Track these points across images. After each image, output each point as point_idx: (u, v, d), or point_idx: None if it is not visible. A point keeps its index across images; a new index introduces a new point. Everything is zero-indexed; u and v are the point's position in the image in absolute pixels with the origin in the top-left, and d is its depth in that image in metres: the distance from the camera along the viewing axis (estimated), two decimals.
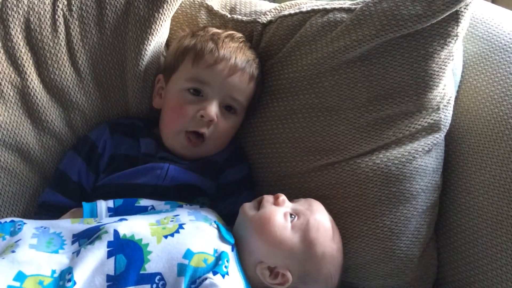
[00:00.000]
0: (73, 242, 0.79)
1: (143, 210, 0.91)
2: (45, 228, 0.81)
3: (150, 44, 1.01)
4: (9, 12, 0.96)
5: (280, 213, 0.86)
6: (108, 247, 0.76)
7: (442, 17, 0.92)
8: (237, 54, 0.98)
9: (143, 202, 0.92)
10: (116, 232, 0.77)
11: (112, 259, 0.75)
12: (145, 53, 1.01)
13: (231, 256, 0.82)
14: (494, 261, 0.92)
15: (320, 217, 0.88)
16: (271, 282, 0.83)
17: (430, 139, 0.99)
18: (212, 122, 0.96)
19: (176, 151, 1.00)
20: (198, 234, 0.81)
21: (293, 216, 0.87)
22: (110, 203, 0.91)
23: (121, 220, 0.82)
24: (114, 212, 0.90)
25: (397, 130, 0.98)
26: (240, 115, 1.01)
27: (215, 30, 1.03)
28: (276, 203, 0.87)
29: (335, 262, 0.87)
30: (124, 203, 0.91)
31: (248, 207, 0.88)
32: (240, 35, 1.03)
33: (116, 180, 0.97)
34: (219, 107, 0.97)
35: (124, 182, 0.96)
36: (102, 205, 0.90)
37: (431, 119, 0.98)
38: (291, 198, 0.93)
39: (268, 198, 0.88)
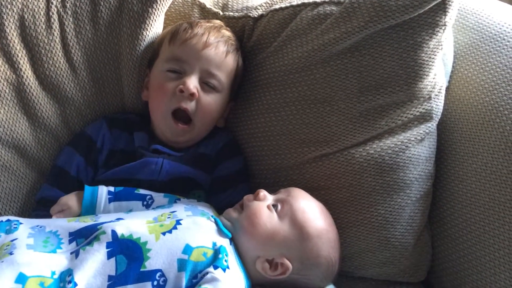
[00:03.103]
0: (70, 241, 0.79)
1: (142, 198, 0.92)
2: (41, 227, 0.81)
3: (144, 40, 1.03)
4: (3, 10, 0.97)
5: (264, 206, 0.87)
6: (107, 248, 0.77)
7: (429, 7, 0.94)
8: (210, 31, 1.00)
9: (142, 191, 0.94)
10: (114, 233, 0.78)
11: (112, 260, 0.76)
12: (139, 48, 1.03)
13: (230, 249, 0.83)
14: (487, 246, 0.93)
15: (303, 200, 0.89)
16: (272, 274, 0.83)
17: (423, 128, 1.00)
18: (194, 97, 0.96)
19: (167, 138, 1.00)
20: (196, 228, 0.82)
21: (276, 206, 0.87)
22: (111, 187, 0.93)
23: (118, 219, 0.83)
24: (113, 196, 0.92)
25: (390, 120, 0.99)
26: (222, 93, 1.01)
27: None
28: (257, 199, 0.88)
29: (331, 237, 0.88)
30: (124, 189, 0.93)
31: (232, 211, 0.89)
32: (219, 21, 1.05)
33: (113, 176, 0.98)
34: (200, 82, 0.98)
35: (121, 177, 0.97)
36: (103, 189, 0.92)
37: (423, 109, 1.00)
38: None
39: (249, 197, 0.89)
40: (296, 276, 0.85)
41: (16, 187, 1.00)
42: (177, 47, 0.99)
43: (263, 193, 0.89)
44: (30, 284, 0.71)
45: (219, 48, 0.99)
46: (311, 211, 0.88)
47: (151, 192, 0.94)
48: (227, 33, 1.03)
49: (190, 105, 0.97)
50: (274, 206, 0.87)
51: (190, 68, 0.97)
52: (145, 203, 0.92)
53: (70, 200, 0.92)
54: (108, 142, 1.01)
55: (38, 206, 0.99)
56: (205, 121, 1.00)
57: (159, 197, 0.93)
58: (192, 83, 0.96)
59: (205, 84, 0.98)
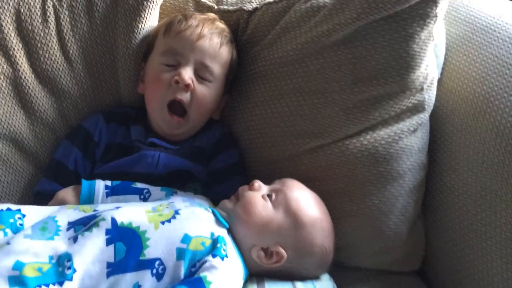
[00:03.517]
0: (68, 229, 0.80)
1: (139, 192, 0.93)
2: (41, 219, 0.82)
3: (139, 33, 1.03)
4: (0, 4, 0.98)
5: (258, 196, 0.88)
6: (106, 234, 0.77)
7: None
8: (205, 23, 1.01)
9: (139, 185, 0.94)
10: (113, 220, 0.79)
11: (111, 247, 0.76)
12: (135, 41, 1.03)
13: (228, 239, 0.84)
14: (479, 235, 0.94)
15: (297, 190, 0.91)
16: (268, 263, 0.85)
17: (415, 119, 1.01)
18: (189, 88, 0.97)
19: (163, 131, 1.01)
20: (194, 218, 0.83)
21: (271, 195, 0.89)
22: (108, 182, 0.93)
23: (117, 208, 0.83)
24: (110, 190, 0.92)
25: (383, 111, 1.00)
26: (217, 84, 1.02)
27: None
28: (252, 189, 0.89)
29: (325, 226, 0.89)
30: (121, 183, 0.94)
31: (227, 202, 0.90)
32: (213, 14, 1.06)
33: (111, 169, 0.98)
34: (194, 74, 0.98)
35: (119, 171, 0.98)
36: (100, 184, 0.93)
37: (415, 100, 1.00)
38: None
39: (244, 188, 0.91)
40: (292, 264, 0.86)
41: (14, 180, 1.01)
42: (172, 39, 0.99)
43: (258, 183, 0.90)
44: (28, 269, 0.72)
45: (213, 40, 1.00)
46: (305, 200, 0.89)
47: (148, 185, 0.95)
48: (221, 25, 1.04)
49: (185, 96, 0.98)
50: (269, 196, 0.89)
51: (184, 60, 0.98)
52: (142, 196, 0.93)
53: (67, 194, 0.93)
54: (105, 137, 1.02)
55: (36, 200, 0.99)
56: (200, 112, 1.01)
57: (156, 190, 0.94)
58: (187, 74, 0.97)
59: (199, 75, 0.99)
